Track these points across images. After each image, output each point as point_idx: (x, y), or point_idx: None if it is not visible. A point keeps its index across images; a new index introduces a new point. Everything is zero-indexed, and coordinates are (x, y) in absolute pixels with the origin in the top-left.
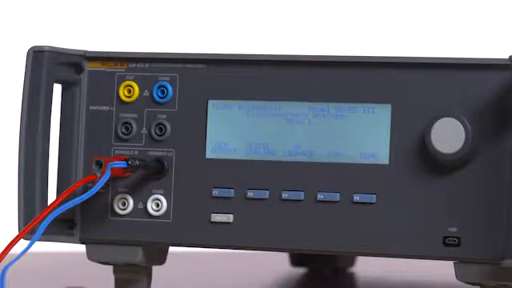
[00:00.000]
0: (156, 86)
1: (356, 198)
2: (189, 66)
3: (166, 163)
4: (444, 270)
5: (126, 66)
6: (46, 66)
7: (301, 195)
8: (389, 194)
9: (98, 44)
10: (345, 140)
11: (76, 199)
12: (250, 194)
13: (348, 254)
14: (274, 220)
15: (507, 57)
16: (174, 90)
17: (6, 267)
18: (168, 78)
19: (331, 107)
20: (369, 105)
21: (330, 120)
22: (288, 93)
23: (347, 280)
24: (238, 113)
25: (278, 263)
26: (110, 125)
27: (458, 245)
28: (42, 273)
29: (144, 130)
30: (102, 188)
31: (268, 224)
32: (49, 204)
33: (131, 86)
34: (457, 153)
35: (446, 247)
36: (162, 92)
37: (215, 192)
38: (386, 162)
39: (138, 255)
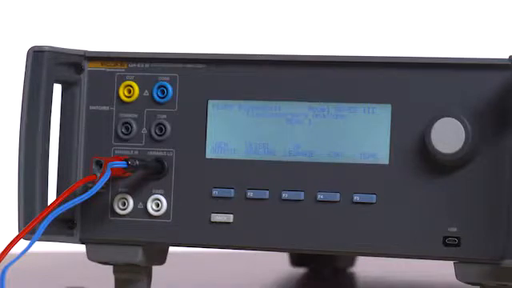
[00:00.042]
0: (156, 86)
1: (356, 198)
2: (189, 65)
3: (166, 163)
4: (444, 270)
5: (125, 66)
6: (46, 66)
7: (301, 195)
8: (389, 194)
9: (98, 44)
10: (345, 140)
11: (76, 199)
12: (250, 194)
13: (348, 253)
14: (274, 220)
15: (507, 57)
16: (173, 90)
17: (6, 267)
18: (168, 78)
19: (331, 107)
20: (369, 105)
21: (329, 120)
22: (288, 93)
23: (347, 280)
24: (237, 113)
25: (278, 263)
26: (110, 125)
27: (458, 245)
28: (41, 273)
29: (144, 130)
30: (102, 188)
31: (268, 224)
32: (49, 204)
33: (131, 86)
34: (457, 153)
35: (445, 247)
36: (162, 92)
37: (215, 192)
38: (386, 161)
39: (138, 255)
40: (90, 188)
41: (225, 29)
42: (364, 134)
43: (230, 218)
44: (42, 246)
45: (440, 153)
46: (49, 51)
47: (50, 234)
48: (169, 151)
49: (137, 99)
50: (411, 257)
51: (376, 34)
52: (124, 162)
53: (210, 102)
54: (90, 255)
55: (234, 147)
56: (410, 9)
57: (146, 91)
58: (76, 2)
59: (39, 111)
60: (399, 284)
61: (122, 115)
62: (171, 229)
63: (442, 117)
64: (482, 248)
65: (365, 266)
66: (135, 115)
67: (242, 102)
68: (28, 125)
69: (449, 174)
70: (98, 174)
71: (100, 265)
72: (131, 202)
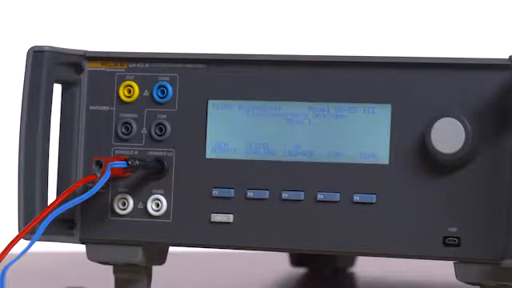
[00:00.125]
0: (156, 86)
1: (356, 198)
2: (189, 65)
3: (166, 163)
4: (444, 270)
5: (125, 66)
6: (46, 66)
7: (301, 195)
8: (389, 194)
9: (98, 44)
10: (345, 140)
11: (76, 199)
12: (250, 194)
13: (348, 253)
14: (274, 220)
15: (507, 57)
16: (173, 90)
17: (6, 267)
18: (168, 78)
19: (331, 107)
20: (369, 105)
21: (329, 120)
22: (288, 93)
23: (347, 280)
24: (237, 113)
25: (278, 263)
26: (110, 125)
27: (458, 245)
28: (42, 273)
29: (144, 130)
30: (102, 188)
31: (268, 224)
32: (49, 204)
33: (131, 86)
34: (457, 153)
35: (445, 247)
36: (162, 92)
37: (215, 192)
38: (386, 161)
39: (138, 255)
40: (90, 188)
41: (225, 29)
42: (364, 134)
43: (230, 217)
44: (42, 246)
45: (440, 153)
46: (49, 51)
47: (50, 234)
48: (169, 151)
49: (137, 99)
50: (411, 257)
51: (376, 34)
52: (124, 162)
53: (210, 102)
54: (90, 255)
55: (234, 147)
56: (410, 9)
57: (146, 91)
58: (76, 2)
59: (39, 111)
60: (399, 284)
61: (121, 115)
62: (171, 229)
63: (442, 117)
64: (482, 248)
65: (365, 266)
66: (135, 115)
67: (242, 102)
68: (28, 125)
69: (449, 174)
70: (98, 174)
71: (100, 265)
72: (131, 202)
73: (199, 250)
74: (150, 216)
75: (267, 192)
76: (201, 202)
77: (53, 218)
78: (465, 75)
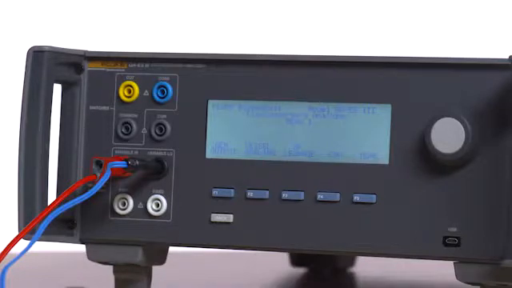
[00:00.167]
0: (156, 86)
1: (356, 198)
2: (189, 65)
3: (166, 163)
4: (444, 270)
5: (125, 66)
6: (46, 66)
7: (301, 195)
8: (389, 194)
9: (98, 44)
10: (345, 140)
11: (76, 199)
12: (250, 194)
13: (348, 254)
14: (274, 220)
15: (507, 57)
16: (173, 90)
17: (6, 267)
18: (168, 78)
19: (331, 107)
20: (369, 105)
21: (329, 120)
22: (288, 93)
23: (347, 280)
24: (237, 113)
25: (278, 263)
26: (110, 125)
27: (458, 245)
28: (42, 273)
29: (144, 130)
30: (102, 188)
31: (268, 224)
32: (49, 204)
33: (131, 86)
34: (457, 153)
35: (446, 247)
36: (162, 92)
37: (215, 192)
38: (386, 161)
39: (138, 255)
40: (90, 188)
41: (225, 29)
42: (364, 134)
43: (229, 218)
44: (42, 246)
45: (440, 153)
46: (49, 51)
47: (50, 234)
48: (169, 151)
49: (137, 99)
50: (411, 257)
51: (376, 34)
52: (124, 162)
53: (210, 102)
54: (90, 255)
55: (234, 147)
56: (410, 9)
57: (146, 91)
58: (76, 2)
59: (39, 111)
60: (399, 284)
61: (121, 115)
62: (171, 229)
63: (442, 117)
64: (482, 248)
65: (365, 266)
66: (135, 115)
67: (242, 102)
68: (28, 125)
69: (449, 174)
70: (98, 174)
71: (100, 265)
72: (131, 202)
73: (199, 250)
74: (150, 216)
75: (267, 192)
76: (201, 201)
77: (53, 218)
78: (465, 75)
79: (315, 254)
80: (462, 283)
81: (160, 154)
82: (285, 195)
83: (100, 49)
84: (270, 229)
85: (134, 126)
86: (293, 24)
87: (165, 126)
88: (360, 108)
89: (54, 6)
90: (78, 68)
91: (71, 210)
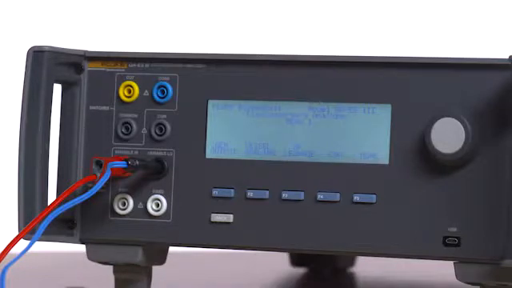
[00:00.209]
0: (156, 86)
1: (356, 198)
2: (189, 65)
3: (166, 163)
4: (444, 269)
5: (125, 66)
6: (46, 66)
7: (301, 195)
8: (389, 194)
9: (98, 44)
10: (345, 140)
11: (76, 199)
12: (250, 194)
13: (348, 254)
14: (274, 220)
15: (507, 57)
16: (173, 90)
17: (6, 267)
18: (168, 78)
19: (331, 107)
20: (369, 105)
21: (329, 120)
22: (288, 93)
23: (347, 280)
24: (237, 113)
25: (278, 263)
26: (110, 125)
27: (458, 245)
28: (41, 273)
29: (144, 130)
30: (102, 188)
31: (268, 224)
32: (49, 204)
33: (131, 86)
34: (457, 153)
35: (445, 247)
36: (162, 92)
37: (215, 192)
38: (386, 161)
39: (138, 255)
40: (90, 188)
41: (225, 29)
42: (364, 134)
43: (229, 217)
44: (42, 246)
45: (440, 153)
46: (49, 51)
47: (50, 234)
48: (169, 151)
49: (137, 99)
50: (411, 257)
51: (376, 34)
52: (124, 162)
53: (210, 102)
54: (90, 255)
55: (234, 147)
56: (410, 9)
57: (146, 91)
58: (76, 2)
59: (39, 111)
60: (399, 284)
61: (121, 115)
62: (171, 229)
63: (442, 117)
64: (482, 248)
65: (365, 266)
66: (135, 115)
67: (242, 102)
68: (28, 125)
69: (449, 174)
70: (98, 174)
71: (100, 265)
72: (131, 202)
73: (199, 250)
74: (150, 216)
75: (267, 192)
76: (201, 201)
77: (53, 218)
78: (465, 75)
79: (315, 254)
80: (462, 283)
81: (160, 153)
82: (285, 195)
83: (100, 49)
84: (270, 229)
85: (134, 126)
86: (293, 24)
87: (165, 126)
88: (360, 108)
89: (54, 6)
90: (78, 68)
91: (71, 210)
